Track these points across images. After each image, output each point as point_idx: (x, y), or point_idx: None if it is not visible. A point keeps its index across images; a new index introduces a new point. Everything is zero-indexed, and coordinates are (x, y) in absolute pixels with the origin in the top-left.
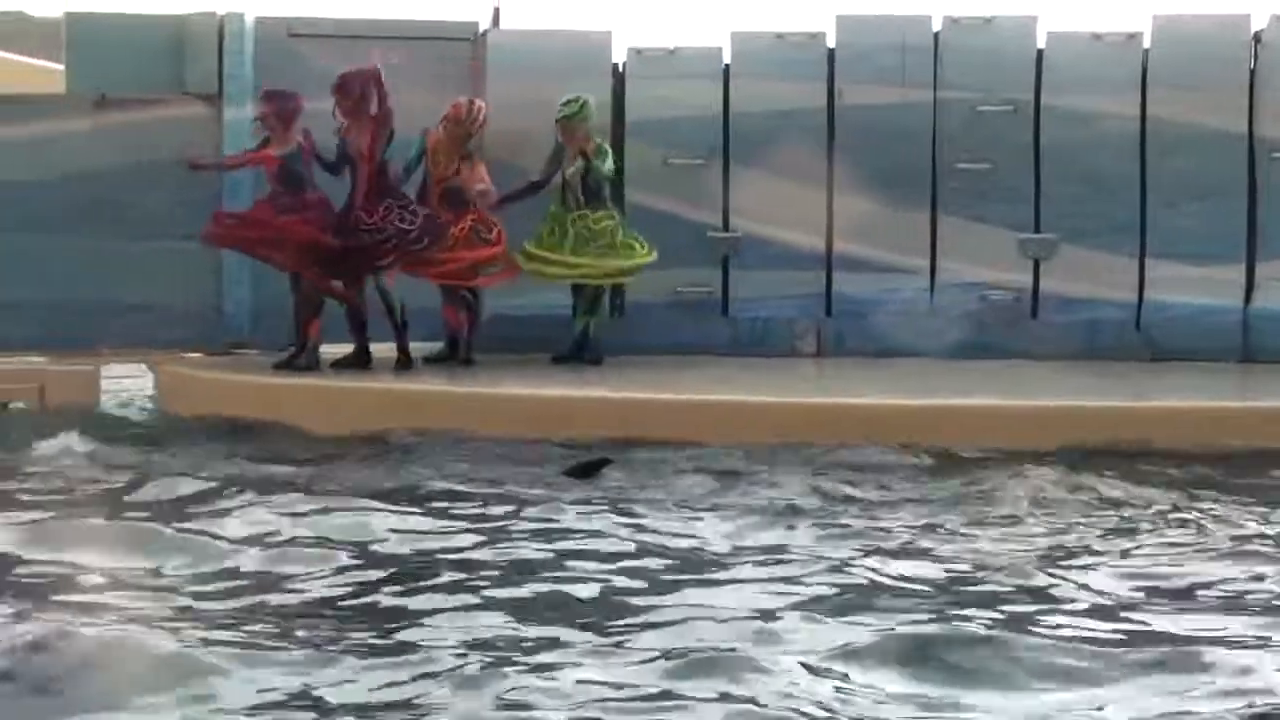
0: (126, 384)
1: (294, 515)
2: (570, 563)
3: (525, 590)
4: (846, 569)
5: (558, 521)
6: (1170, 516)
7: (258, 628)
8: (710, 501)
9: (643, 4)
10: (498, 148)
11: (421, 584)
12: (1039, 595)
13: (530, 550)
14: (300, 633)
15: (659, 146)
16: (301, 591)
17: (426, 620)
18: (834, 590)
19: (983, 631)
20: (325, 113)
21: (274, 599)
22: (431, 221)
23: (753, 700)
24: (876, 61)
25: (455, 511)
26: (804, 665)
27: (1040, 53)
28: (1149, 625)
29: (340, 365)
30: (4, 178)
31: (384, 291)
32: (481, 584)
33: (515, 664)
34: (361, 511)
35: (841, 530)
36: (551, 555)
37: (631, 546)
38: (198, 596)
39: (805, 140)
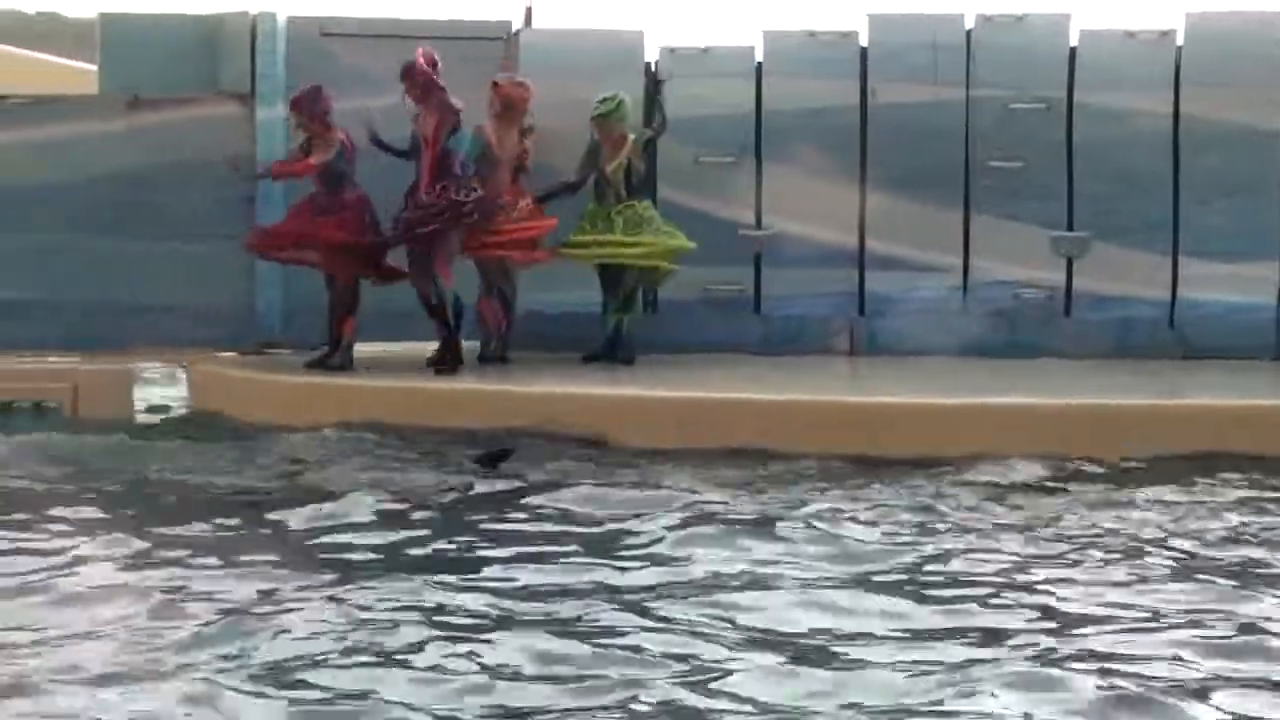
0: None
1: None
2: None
3: None
4: None
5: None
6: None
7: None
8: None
9: (675, 3)
10: (533, 147)
11: None
12: None
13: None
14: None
15: (691, 145)
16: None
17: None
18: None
19: None
20: (360, 111)
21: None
22: (485, 202)
23: None
24: (909, 60)
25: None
26: None
27: (1073, 50)
28: None
29: (435, 364)
30: (38, 178)
31: (439, 288)
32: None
33: None
34: None
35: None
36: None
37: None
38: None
39: (837, 138)
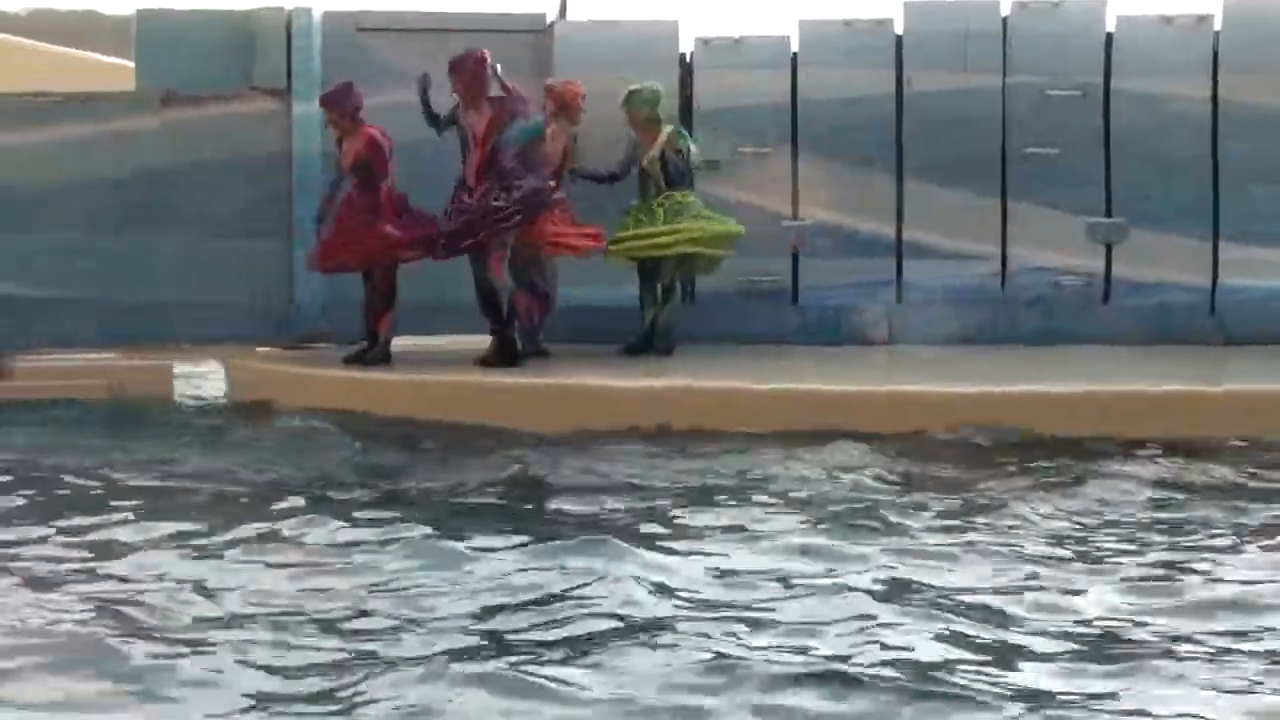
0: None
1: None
2: None
3: None
4: None
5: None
6: None
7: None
8: None
9: None
10: (573, 140)
11: None
12: None
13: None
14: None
15: (727, 136)
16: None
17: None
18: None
19: None
20: (395, 105)
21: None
22: (530, 198)
23: None
24: (944, 47)
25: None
26: None
27: (1109, 36)
28: None
29: (485, 362)
30: (75, 175)
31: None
32: None
33: None
34: None
35: None
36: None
37: None
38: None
39: (873, 127)
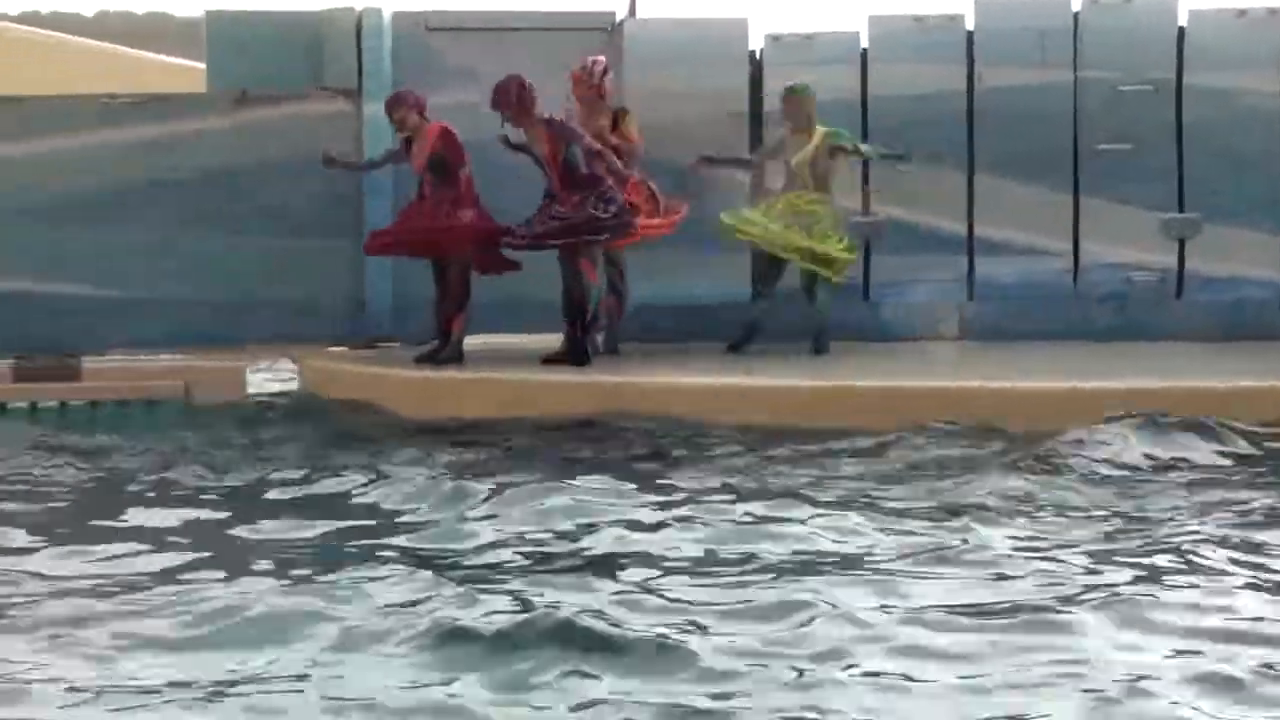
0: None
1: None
2: None
3: None
4: None
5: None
6: None
7: None
8: None
9: None
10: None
11: None
12: None
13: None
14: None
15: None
16: None
17: None
18: None
19: None
20: (466, 105)
21: None
22: (620, 219)
23: None
24: (1016, 43)
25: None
26: None
27: (1181, 30)
28: None
29: (552, 361)
30: (147, 176)
31: (585, 285)
32: None
33: None
34: None
35: None
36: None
37: None
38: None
39: (944, 123)
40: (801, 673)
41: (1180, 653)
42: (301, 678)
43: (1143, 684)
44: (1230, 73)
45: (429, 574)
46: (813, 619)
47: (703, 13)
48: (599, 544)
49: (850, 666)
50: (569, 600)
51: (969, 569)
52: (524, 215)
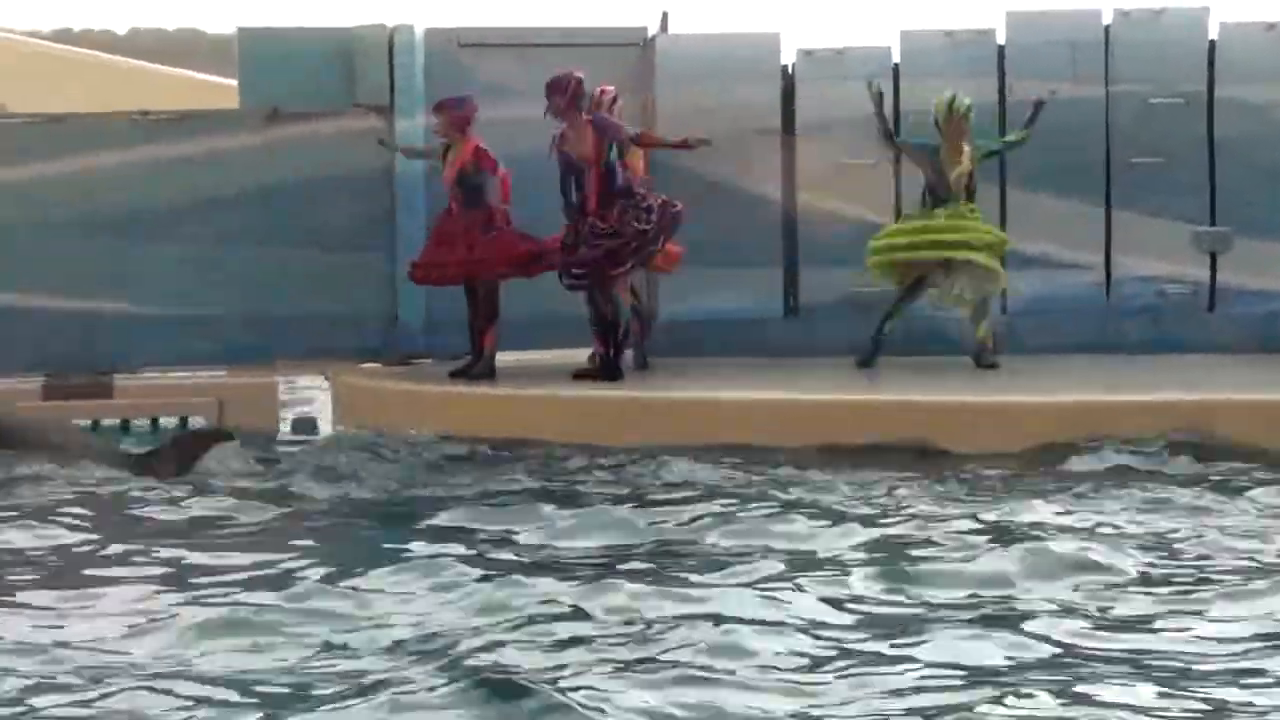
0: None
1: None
2: None
3: None
4: None
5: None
6: None
7: None
8: None
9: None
10: (667, 151)
11: None
12: None
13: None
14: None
15: (830, 148)
16: None
17: None
18: None
19: None
20: (497, 121)
21: None
22: (666, 214)
23: None
24: (1047, 57)
25: None
26: None
27: (1212, 44)
28: None
29: (583, 376)
30: (180, 193)
31: (617, 304)
32: None
33: None
34: None
35: None
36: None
37: None
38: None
39: (976, 137)
40: None
41: None
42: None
43: None
44: (1261, 85)
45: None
46: None
47: (734, 28)
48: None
49: None
50: None
51: None
52: (550, 223)
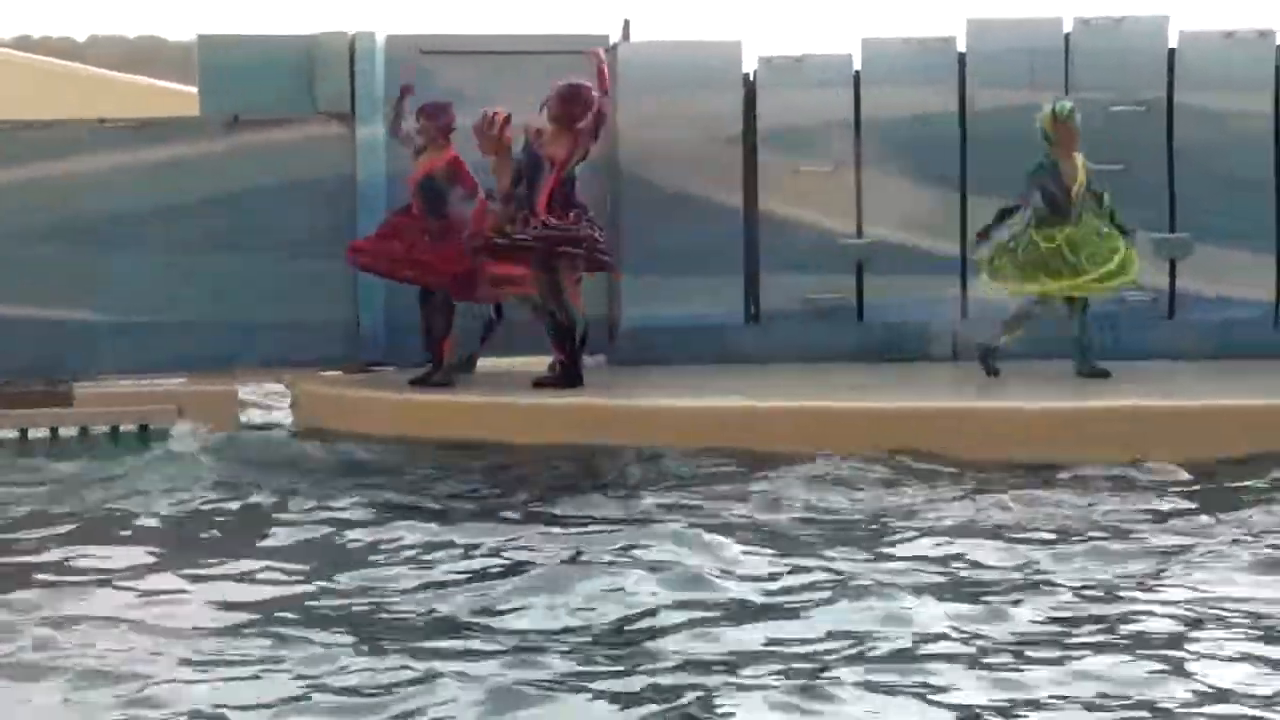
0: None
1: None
2: None
3: None
4: None
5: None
6: None
7: None
8: None
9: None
10: (630, 160)
11: None
12: None
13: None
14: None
15: (791, 155)
16: None
17: None
18: None
19: None
20: (460, 129)
21: None
22: (607, 248)
23: None
24: (1007, 65)
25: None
26: None
27: (1172, 52)
28: None
29: (543, 384)
30: (140, 201)
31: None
32: None
33: None
34: None
35: None
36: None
37: None
38: None
39: (937, 145)
40: None
41: None
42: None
43: None
44: (1220, 93)
45: None
46: None
47: (696, 36)
48: None
49: None
50: None
51: None
52: None
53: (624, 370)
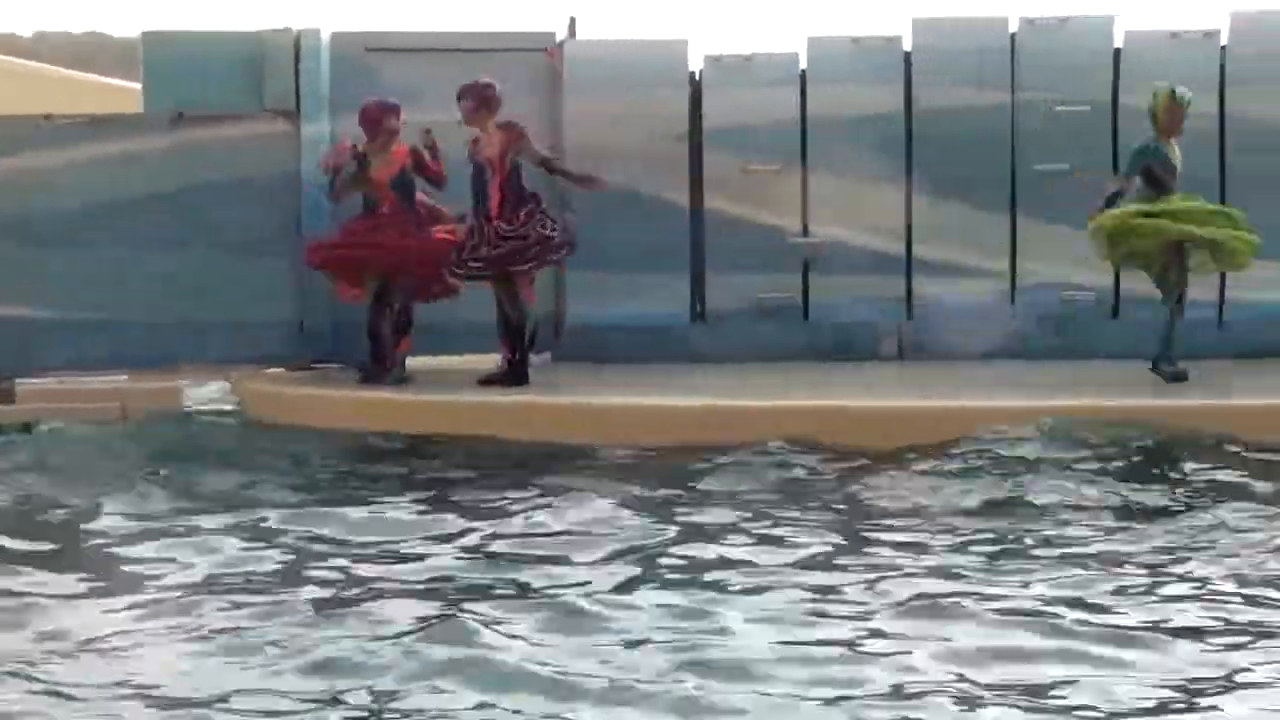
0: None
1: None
2: None
3: None
4: None
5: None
6: None
7: None
8: None
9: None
10: (577, 158)
11: None
12: None
13: None
14: None
15: (737, 154)
16: None
17: None
18: None
19: None
20: (406, 126)
21: None
22: (569, 228)
23: None
24: (953, 64)
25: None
26: None
27: (1117, 52)
28: None
29: (489, 381)
30: (85, 198)
31: (522, 308)
32: None
33: None
34: None
35: None
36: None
37: None
38: None
39: (883, 144)
40: None
41: None
42: None
43: None
44: None
45: None
46: None
47: (643, 34)
48: None
49: None
50: None
51: None
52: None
53: (567, 368)
